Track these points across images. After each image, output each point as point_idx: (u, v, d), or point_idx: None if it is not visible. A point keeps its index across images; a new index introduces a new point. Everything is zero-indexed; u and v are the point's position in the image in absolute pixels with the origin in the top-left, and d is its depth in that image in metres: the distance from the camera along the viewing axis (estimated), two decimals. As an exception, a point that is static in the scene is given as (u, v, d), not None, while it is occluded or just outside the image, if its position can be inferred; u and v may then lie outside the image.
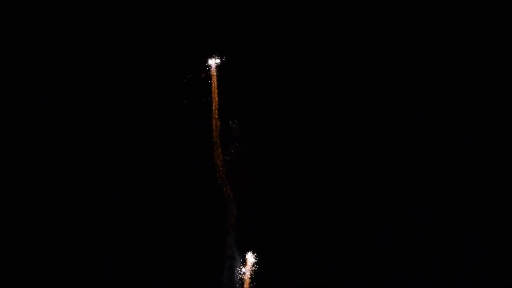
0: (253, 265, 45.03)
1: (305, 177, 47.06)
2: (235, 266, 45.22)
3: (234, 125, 46.66)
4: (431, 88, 47.47)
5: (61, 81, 47.13)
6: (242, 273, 45.09)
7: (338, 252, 46.05)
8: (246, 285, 44.93)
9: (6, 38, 46.72)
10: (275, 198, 46.26)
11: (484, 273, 45.14)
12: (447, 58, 47.44)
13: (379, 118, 47.60)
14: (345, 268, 45.96)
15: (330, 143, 47.43)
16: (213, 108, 46.66)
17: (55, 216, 45.81)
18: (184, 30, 47.40)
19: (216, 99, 46.70)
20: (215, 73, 46.67)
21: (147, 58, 47.40)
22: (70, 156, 46.70)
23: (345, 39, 47.87)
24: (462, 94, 47.20)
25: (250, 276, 44.89)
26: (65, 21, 47.34)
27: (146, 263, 45.62)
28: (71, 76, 47.18)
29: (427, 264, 45.86)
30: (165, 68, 47.36)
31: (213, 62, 46.63)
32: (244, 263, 45.11)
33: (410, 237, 46.08)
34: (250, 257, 45.12)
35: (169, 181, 46.62)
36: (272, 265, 45.68)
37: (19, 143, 46.32)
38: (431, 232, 46.14)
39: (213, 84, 46.61)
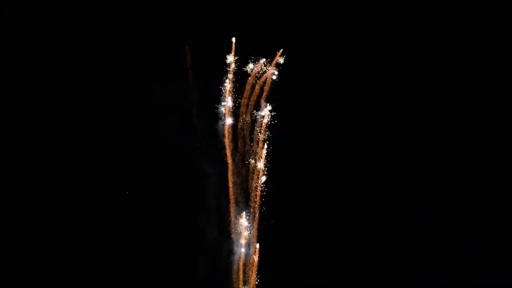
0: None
1: (304, 177, 47.15)
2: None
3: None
4: (431, 88, 47.54)
5: (60, 81, 47.23)
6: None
7: (338, 252, 46.16)
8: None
9: (6, 38, 46.77)
10: (274, 198, 46.32)
11: (484, 273, 45.24)
12: (447, 58, 47.50)
13: (379, 118, 47.67)
14: (345, 268, 46.08)
15: (330, 143, 47.50)
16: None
17: (54, 216, 45.92)
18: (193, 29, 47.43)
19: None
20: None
21: (146, 56, 47.51)
22: (70, 156, 46.83)
23: (345, 39, 47.91)
24: (462, 94, 47.26)
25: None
26: (61, 21, 47.40)
27: (144, 262, 45.87)
28: (70, 75, 47.27)
29: (427, 264, 45.94)
30: (165, 69, 47.44)
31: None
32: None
33: (410, 237, 46.16)
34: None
35: (168, 181, 46.81)
36: (271, 265, 45.80)
37: (19, 143, 46.40)
38: (431, 232, 46.23)
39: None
